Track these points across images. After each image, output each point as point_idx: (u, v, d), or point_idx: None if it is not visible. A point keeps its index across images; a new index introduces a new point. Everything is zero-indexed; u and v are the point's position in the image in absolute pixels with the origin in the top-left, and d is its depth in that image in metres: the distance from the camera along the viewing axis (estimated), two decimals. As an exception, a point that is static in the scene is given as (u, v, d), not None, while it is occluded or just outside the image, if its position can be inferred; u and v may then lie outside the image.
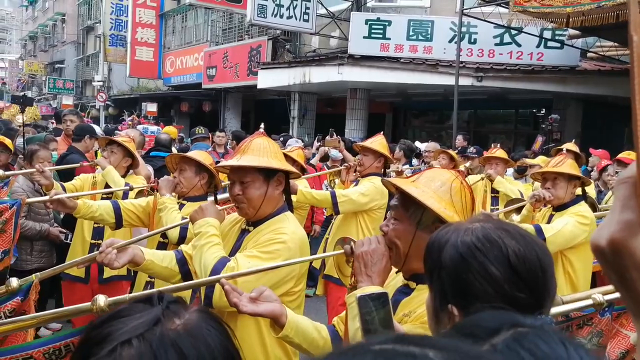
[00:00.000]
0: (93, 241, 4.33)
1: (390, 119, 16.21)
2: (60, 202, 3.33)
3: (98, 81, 28.07)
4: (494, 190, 5.58)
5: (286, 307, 1.76)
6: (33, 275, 2.13)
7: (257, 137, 2.34)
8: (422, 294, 1.66)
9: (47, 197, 3.41)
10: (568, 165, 3.72)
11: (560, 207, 3.74)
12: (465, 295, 1.08)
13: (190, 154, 3.51)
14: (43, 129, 9.54)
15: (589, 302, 1.90)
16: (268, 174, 2.24)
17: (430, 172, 1.77)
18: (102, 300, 1.71)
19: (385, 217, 4.91)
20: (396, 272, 1.83)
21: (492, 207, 5.52)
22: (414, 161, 7.89)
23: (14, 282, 2.06)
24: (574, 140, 6.73)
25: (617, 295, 1.87)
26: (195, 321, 0.85)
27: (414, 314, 1.63)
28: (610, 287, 1.92)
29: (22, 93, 26.22)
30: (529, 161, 6.32)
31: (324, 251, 4.71)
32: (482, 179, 5.59)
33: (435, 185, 1.69)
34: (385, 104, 15.60)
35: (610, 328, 2.02)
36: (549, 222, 3.75)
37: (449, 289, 1.11)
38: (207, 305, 2.12)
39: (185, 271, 2.40)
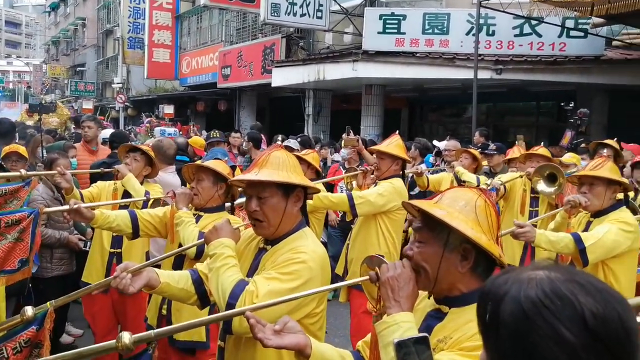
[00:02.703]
0: (112, 250, 4.32)
1: (406, 115, 16.02)
2: (78, 213, 3.21)
3: (117, 83, 28.39)
4: (534, 191, 5.12)
5: (310, 338, 1.70)
6: (48, 303, 2.05)
7: (275, 150, 2.24)
8: (456, 318, 1.62)
9: (65, 207, 3.31)
10: (607, 169, 3.43)
11: (599, 213, 3.47)
12: None
13: (207, 163, 3.42)
14: (61, 137, 9.59)
15: None
16: (287, 189, 2.15)
17: (452, 192, 1.74)
18: (127, 338, 1.66)
19: (406, 220, 4.80)
20: (428, 298, 1.75)
21: (532, 209, 5.22)
22: (431, 158, 7.71)
23: (29, 311, 1.99)
24: (616, 139, 6.37)
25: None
26: None
27: (450, 340, 1.58)
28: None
29: (39, 101, 26.59)
30: (564, 160, 5.84)
31: (346, 258, 4.60)
32: (521, 176, 5.18)
33: (460, 205, 1.65)
34: (401, 100, 15.41)
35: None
36: (586, 229, 3.49)
37: (509, 352, 0.94)
38: (226, 331, 2.04)
39: (202, 292, 2.32)
